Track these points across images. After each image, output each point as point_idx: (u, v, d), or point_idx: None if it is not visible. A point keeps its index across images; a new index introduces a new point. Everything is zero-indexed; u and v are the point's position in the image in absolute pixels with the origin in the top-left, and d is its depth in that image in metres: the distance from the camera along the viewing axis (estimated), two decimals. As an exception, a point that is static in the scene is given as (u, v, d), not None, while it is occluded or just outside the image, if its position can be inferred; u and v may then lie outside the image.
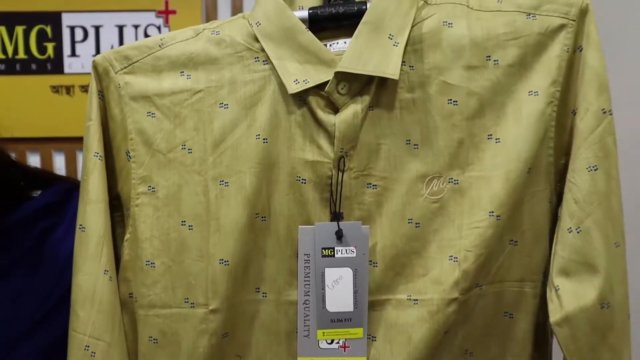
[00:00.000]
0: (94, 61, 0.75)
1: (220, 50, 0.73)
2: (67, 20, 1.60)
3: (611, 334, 0.72)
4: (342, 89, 0.70)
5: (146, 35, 1.62)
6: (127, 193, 0.75)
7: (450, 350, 0.75)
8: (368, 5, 0.71)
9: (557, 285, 0.71)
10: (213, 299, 0.72)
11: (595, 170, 0.70)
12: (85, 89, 1.61)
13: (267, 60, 0.72)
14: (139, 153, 0.74)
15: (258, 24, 0.72)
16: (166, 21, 1.62)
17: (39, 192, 0.85)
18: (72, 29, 1.61)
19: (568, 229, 0.70)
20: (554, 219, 0.74)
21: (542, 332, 0.77)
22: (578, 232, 0.70)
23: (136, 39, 1.61)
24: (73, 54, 1.62)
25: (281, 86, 0.71)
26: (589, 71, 0.70)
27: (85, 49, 1.61)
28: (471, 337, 0.76)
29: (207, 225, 0.73)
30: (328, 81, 0.70)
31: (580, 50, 0.70)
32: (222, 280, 0.72)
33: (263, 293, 0.74)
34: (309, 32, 0.70)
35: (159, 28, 1.62)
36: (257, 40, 0.72)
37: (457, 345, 0.76)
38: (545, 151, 0.72)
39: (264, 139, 0.71)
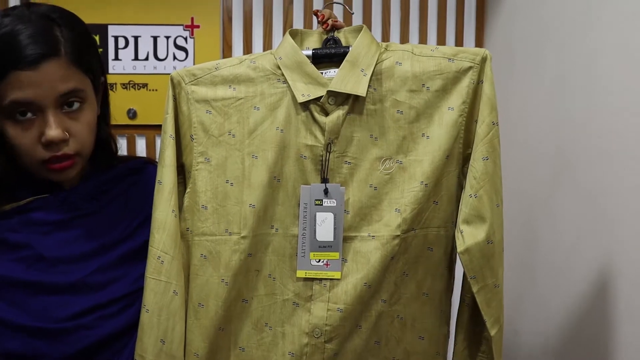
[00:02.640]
0: (171, 75, 1.09)
1: (255, 73, 1.07)
2: (112, 31, 1.91)
3: (492, 259, 1.05)
4: (331, 101, 1.04)
5: (175, 44, 1.92)
6: (190, 162, 1.09)
7: (394, 271, 1.07)
8: (350, 49, 1.06)
9: (462, 230, 1.04)
10: (243, 229, 1.06)
11: (486, 159, 1.03)
12: (125, 86, 1.93)
13: (285, 81, 1.06)
14: (199, 136, 1.08)
15: (280, 58, 1.07)
16: (191, 34, 1.90)
17: (121, 164, 1.21)
18: (116, 38, 1.91)
19: (469, 195, 1.04)
20: (460, 188, 1.07)
21: (450, 259, 1.10)
22: (475, 197, 1.03)
23: (167, 47, 1.92)
24: (116, 58, 1.92)
25: (293, 98, 1.05)
26: (485, 97, 1.03)
27: (126, 54, 1.92)
28: (407, 263, 1.07)
29: (242, 183, 1.06)
30: (322, 96, 1.04)
31: (481, 83, 1.04)
32: (250, 218, 1.06)
33: (276, 228, 1.08)
34: (312, 64, 1.05)
35: (185, 39, 1.90)
36: (279, 68, 1.06)
37: (399, 269, 1.07)
38: (458, 145, 1.05)
39: (281, 129, 1.05)
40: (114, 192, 1.16)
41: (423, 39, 1.88)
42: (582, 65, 1.36)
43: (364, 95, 1.04)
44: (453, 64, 1.05)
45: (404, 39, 1.88)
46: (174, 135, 1.09)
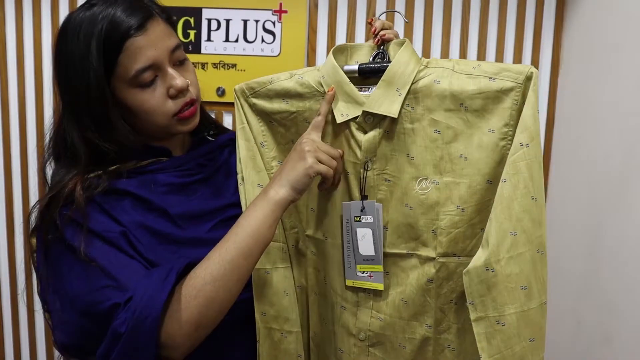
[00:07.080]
0: (235, 89, 1.17)
1: (302, 89, 1.11)
2: (205, 14, 1.99)
3: (494, 290, 0.97)
4: (367, 120, 1.05)
5: (264, 28, 1.97)
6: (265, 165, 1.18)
7: (438, 296, 1.07)
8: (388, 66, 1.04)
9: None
10: (307, 228, 1.19)
11: (504, 182, 0.97)
12: (215, 65, 2.00)
13: None
14: (269, 142, 1.17)
15: (323, 77, 1.09)
16: (279, 18, 1.94)
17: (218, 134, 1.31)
18: (209, 20, 1.99)
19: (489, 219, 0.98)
20: None
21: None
22: (489, 221, 0.98)
23: (256, 31, 1.97)
24: (208, 39, 2.00)
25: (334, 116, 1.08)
26: (521, 117, 0.96)
27: (218, 36, 1.99)
28: (455, 291, 1.06)
29: None
30: (359, 115, 1.05)
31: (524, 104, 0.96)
32: (312, 220, 1.17)
33: (325, 236, 1.15)
34: (351, 84, 1.06)
35: (273, 23, 1.94)
36: (322, 85, 1.09)
37: (444, 295, 1.07)
38: (502, 171, 0.98)
39: (330, 144, 1.09)
40: (219, 160, 1.26)
41: (501, 37, 1.80)
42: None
43: (396, 116, 1.03)
44: (494, 83, 0.99)
45: (482, 37, 1.81)
46: (254, 141, 1.18)
